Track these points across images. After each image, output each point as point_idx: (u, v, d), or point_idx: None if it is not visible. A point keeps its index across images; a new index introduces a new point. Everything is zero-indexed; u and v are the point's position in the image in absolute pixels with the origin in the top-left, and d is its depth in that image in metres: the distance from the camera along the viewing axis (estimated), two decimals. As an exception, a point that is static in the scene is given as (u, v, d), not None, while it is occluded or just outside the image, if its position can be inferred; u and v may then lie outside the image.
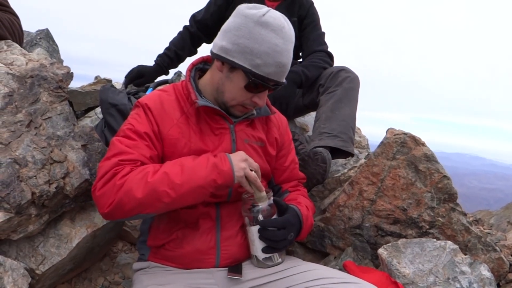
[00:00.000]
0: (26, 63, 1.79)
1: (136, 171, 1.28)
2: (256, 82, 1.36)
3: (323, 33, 2.64)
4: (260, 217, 1.38)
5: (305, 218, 1.50)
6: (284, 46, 1.34)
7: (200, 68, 1.56)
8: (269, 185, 1.65)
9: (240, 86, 1.39)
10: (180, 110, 1.46)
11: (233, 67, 1.37)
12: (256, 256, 1.43)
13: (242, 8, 1.39)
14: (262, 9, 1.36)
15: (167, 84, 2.89)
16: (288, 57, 1.37)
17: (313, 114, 2.78)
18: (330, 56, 2.56)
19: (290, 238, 1.42)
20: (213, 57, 1.43)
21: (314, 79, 2.45)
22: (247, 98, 1.42)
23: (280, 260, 1.44)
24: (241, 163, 1.33)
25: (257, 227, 1.39)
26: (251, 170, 1.35)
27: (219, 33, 1.43)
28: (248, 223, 1.42)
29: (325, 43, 2.61)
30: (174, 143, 1.41)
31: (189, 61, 2.87)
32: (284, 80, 1.43)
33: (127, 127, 1.39)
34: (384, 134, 1.95)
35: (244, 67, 1.34)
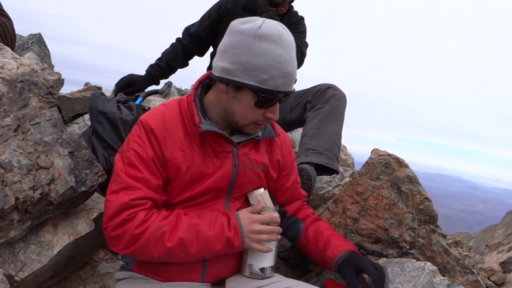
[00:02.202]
0: (17, 67, 1.79)
1: (153, 227, 1.30)
2: (265, 98, 1.32)
3: (305, 41, 2.62)
4: None
5: None
6: (287, 55, 1.30)
7: (207, 84, 1.50)
8: None
9: (250, 104, 1.34)
10: (184, 131, 1.42)
11: (238, 87, 1.32)
12: (251, 265, 1.45)
13: (235, 24, 1.33)
14: (257, 21, 1.31)
15: (158, 94, 2.90)
16: (293, 64, 1.33)
17: (300, 130, 2.82)
18: (302, 54, 2.51)
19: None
20: (216, 79, 1.38)
21: None
22: (259, 115, 1.38)
23: (272, 274, 1.48)
24: (252, 235, 1.38)
25: None
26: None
27: (217, 54, 1.38)
28: None
29: (303, 44, 2.57)
30: (177, 167, 1.38)
31: (180, 72, 2.89)
32: (293, 88, 1.38)
33: (132, 154, 1.36)
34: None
35: (251, 84, 1.29)
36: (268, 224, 1.42)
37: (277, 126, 1.60)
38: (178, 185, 1.41)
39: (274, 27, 1.31)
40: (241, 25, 1.32)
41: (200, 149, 1.42)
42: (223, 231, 1.34)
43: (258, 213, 1.45)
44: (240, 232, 1.36)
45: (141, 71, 2.76)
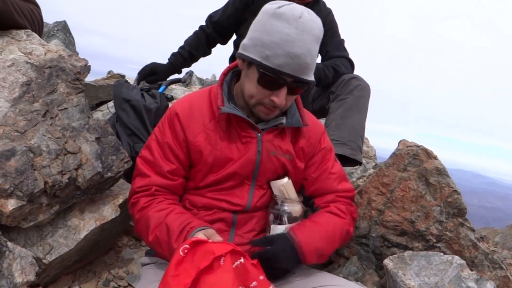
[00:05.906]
0: (45, 54, 1.80)
1: (146, 217, 1.37)
2: (266, 76, 1.27)
3: (343, 40, 2.58)
4: (285, 218, 1.42)
5: (303, 243, 1.36)
6: (297, 36, 1.24)
7: (239, 71, 1.47)
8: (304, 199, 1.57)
9: (255, 81, 1.31)
10: (210, 115, 1.43)
11: (250, 62, 1.32)
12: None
13: (266, 4, 1.34)
14: (283, 2, 1.30)
15: (180, 82, 2.90)
16: (303, 47, 1.25)
17: (323, 121, 2.79)
18: (351, 63, 2.51)
19: (285, 267, 1.34)
20: (237, 57, 1.39)
21: (330, 82, 2.39)
22: (265, 96, 1.33)
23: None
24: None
25: (283, 226, 1.41)
26: None
27: None
28: (271, 221, 1.44)
29: (345, 50, 2.54)
30: (199, 150, 1.40)
31: (202, 60, 2.88)
32: (310, 78, 1.31)
33: (151, 137, 1.46)
34: (388, 147, 1.95)
35: (255, 59, 1.28)
36: None
37: (308, 117, 1.54)
38: (201, 169, 1.43)
39: (295, 9, 1.26)
40: (268, 5, 1.33)
41: (226, 133, 1.42)
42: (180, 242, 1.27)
43: (282, 203, 1.43)
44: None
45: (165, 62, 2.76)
